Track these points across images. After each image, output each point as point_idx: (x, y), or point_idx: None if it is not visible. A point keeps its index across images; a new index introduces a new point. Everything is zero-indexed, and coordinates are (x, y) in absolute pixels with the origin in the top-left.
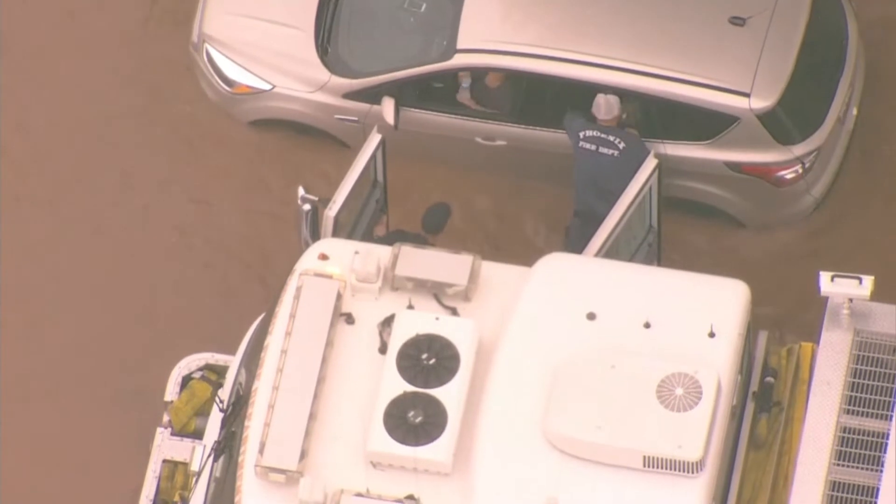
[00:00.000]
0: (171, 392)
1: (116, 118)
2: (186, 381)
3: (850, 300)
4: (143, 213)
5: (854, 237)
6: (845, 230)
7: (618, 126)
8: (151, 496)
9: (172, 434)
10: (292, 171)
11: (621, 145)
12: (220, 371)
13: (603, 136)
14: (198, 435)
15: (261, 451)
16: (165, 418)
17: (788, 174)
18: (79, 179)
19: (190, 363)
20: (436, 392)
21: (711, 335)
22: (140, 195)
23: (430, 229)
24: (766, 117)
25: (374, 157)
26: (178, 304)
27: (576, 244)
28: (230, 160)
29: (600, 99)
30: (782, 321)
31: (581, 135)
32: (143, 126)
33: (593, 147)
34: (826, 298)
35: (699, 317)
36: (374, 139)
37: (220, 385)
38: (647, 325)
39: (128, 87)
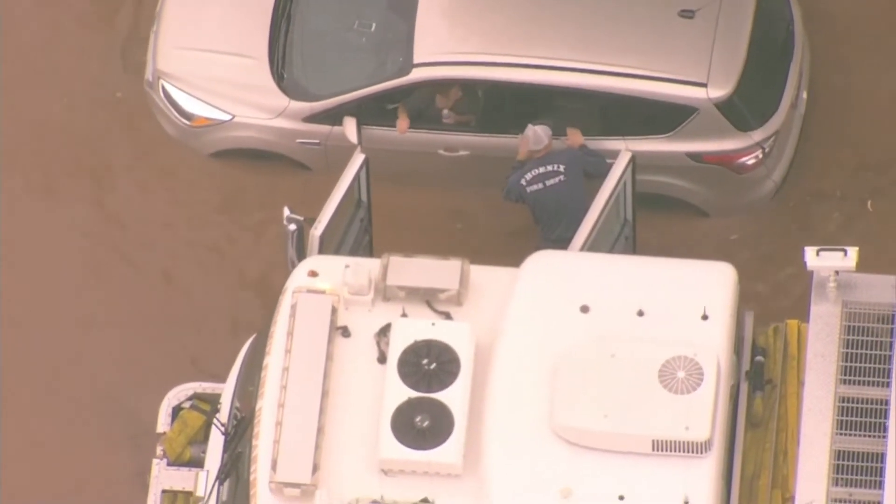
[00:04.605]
0: (163, 423)
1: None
2: (176, 411)
3: (837, 273)
4: (111, 247)
5: (819, 215)
6: (808, 209)
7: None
8: None
9: (169, 464)
10: (257, 197)
11: (561, 167)
12: (208, 399)
13: (541, 170)
14: (194, 463)
15: (273, 468)
16: (159, 449)
17: (749, 160)
18: (43, 206)
19: (178, 394)
20: (439, 395)
21: (705, 318)
22: (101, 229)
23: None
24: (724, 105)
25: (357, 176)
26: (152, 335)
27: None
28: (195, 190)
29: (529, 132)
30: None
31: (523, 182)
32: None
33: (541, 185)
34: (811, 273)
35: (690, 301)
36: (358, 159)
37: (217, 410)
38: (641, 314)
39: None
